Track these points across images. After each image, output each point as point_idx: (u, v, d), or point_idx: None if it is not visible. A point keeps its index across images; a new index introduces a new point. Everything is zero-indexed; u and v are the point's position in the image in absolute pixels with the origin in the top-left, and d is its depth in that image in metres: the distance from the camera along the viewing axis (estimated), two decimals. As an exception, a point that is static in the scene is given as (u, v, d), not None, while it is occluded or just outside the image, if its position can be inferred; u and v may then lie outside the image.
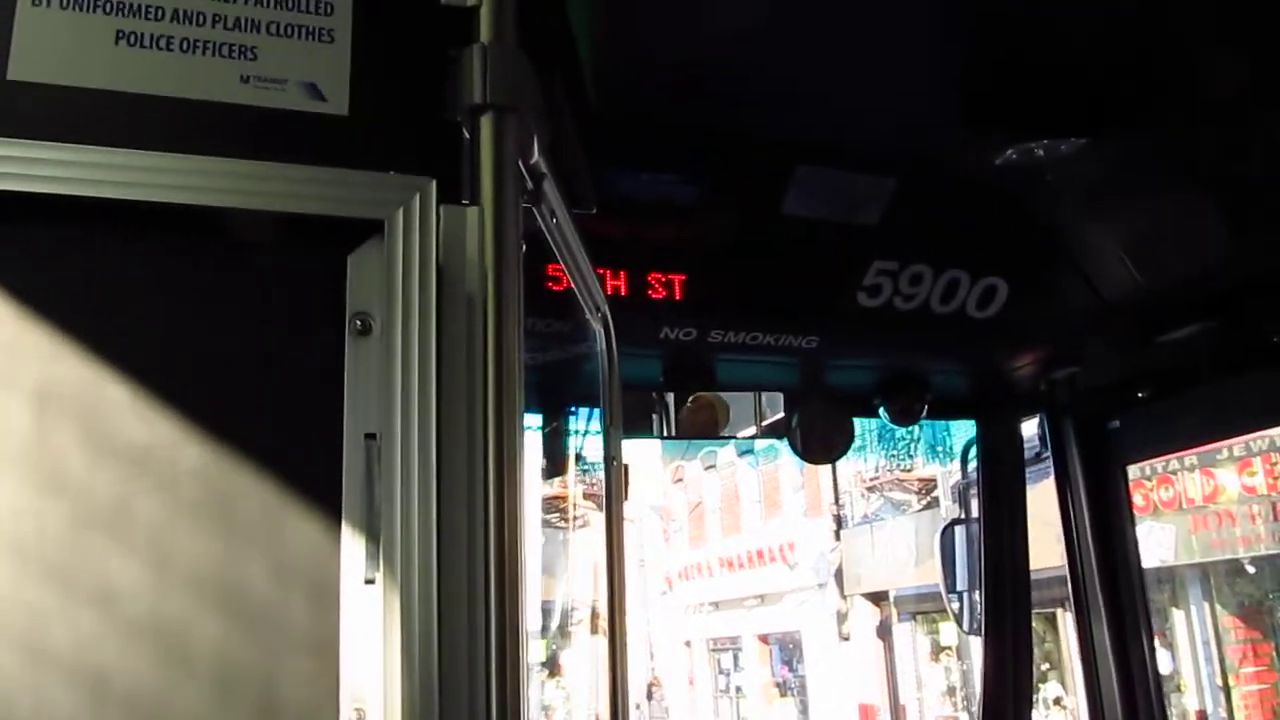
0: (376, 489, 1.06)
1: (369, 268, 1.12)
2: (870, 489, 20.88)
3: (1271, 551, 12.67)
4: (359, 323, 1.11)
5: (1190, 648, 13.77)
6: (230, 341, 1.10)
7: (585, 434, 3.67)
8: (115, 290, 1.09)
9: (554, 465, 3.68)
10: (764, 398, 4.13)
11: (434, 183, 1.14)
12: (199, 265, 1.12)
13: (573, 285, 1.94)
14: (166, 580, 1.03)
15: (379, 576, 1.05)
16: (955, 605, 4.11)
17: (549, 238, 1.56)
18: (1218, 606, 13.74)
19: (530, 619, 1.14)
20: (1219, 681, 13.64)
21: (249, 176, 1.10)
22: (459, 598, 1.04)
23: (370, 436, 1.08)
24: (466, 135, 1.19)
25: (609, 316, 2.09)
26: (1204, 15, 2.39)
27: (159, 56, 1.16)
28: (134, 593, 1.03)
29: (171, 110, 1.14)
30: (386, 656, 1.02)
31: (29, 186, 1.06)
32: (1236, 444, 12.22)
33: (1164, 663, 12.80)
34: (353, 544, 1.06)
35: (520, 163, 1.26)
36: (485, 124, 1.18)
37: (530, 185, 1.38)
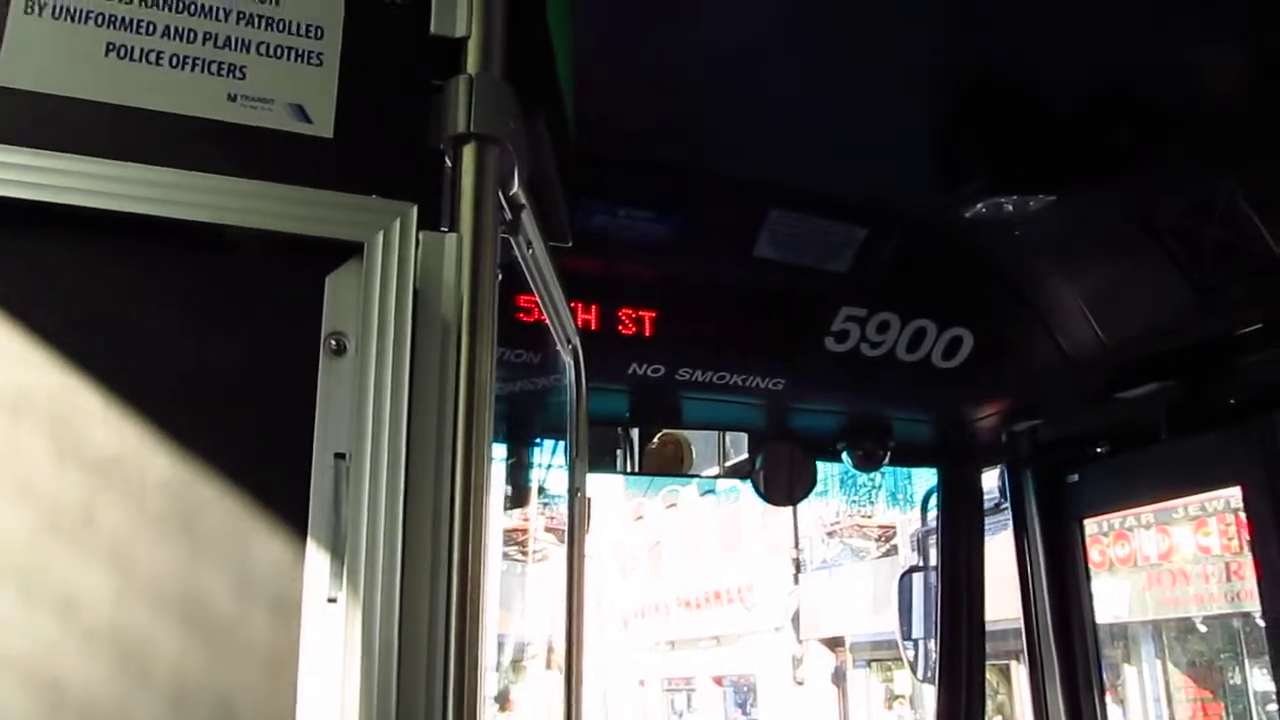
0: (343, 508, 1.06)
1: (346, 289, 1.13)
2: (830, 534, 20.91)
3: (1224, 611, 12.79)
4: (334, 343, 1.12)
5: (1141, 704, 13.84)
6: (205, 355, 1.11)
7: (550, 467, 3.67)
8: (92, 299, 1.10)
9: (515, 497, 3.67)
10: (728, 439, 4.15)
11: (414, 208, 1.15)
12: (177, 279, 1.12)
13: (545, 317, 1.96)
14: (128, 591, 1.03)
15: (342, 596, 1.04)
16: (910, 652, 4.13)
17: (525, 268, 1.58)
18: (1169, 664, 13.83)
19: (488, 648, 1.15)
20: (1168, 740, 13.71)
21: (231, 193, 1.11)
22: (420, 620, 1.05)
23: (340, 456, 1.08)
24: (449, 163, 1.21)
25: (579, 349, 2.10)
26: (1171, 80, 2.45)
27: (148, 71, 1.16)
28: (95, 602, 1.02)
29: (157, 124, 1.15)
30: (346, 676, 1.02)
31: (9, 192, 1.06)
32: (1192, 503, 12.36)
33: (1115, 718, 12.84)
34: (317, 562, 1.06)
35: (500, 193, 1.28)
36: (468, 153, 1.19)
37: (509, 216, 1.40)
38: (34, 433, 1.05)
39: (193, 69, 1.18)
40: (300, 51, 1.22)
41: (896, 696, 19.84)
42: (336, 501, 1.07)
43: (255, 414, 1.10)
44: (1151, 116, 2.57)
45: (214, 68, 1.19)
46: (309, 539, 1.06)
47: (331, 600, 1.05)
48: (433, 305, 1.13)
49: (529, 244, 1.52)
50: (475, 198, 1.18)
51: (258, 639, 1.04)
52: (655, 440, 3.88)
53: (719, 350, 3.32)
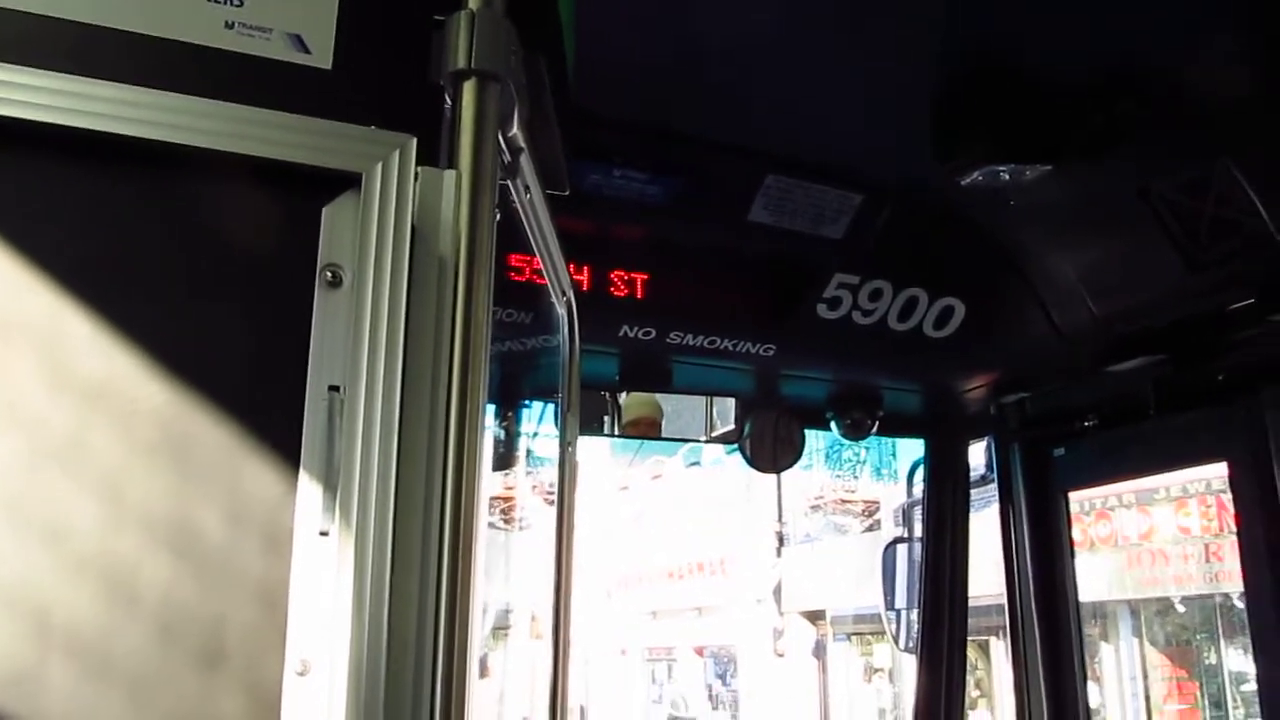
0: (337, 442, 1.06)
1: (343, 221, 1.12)
2: (814, 508, 21.01)
3: (1201, 591, 12.91)
4: (330, 274, 1.10)
5: (1117, 682, 13.98)
6: (198, 282, 1.10)
7: (536, 435, 3.67)
8: (83, 223, 1.08)
9: (500, 459, 3.67)
10: (715, 409, 4.15)
11: (414, 140, 1.14)
12: (173, 204, 1.11)
13: (535, 276, 1.94)
14: (117, 519, 1.02)
15: (334, 529, 1.04)
16: (893, 624, 4.15)
17: (521, 215, 1.56)
18: (1146, 643, 13.97)
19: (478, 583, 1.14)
20: (1144, 717, 13.86)
21: (228, 118, 1.10)
22: (412, 555, 1.04)
23: (334, 388, 1.07)
24: (448, 100, 1.20)
25: (574, 302, 2.09)
26: (1171, 55, 2.44)
27: None
28: (83, 530, 1.01)
29: (154, 49, 1.13)
30: (336, 609, 1.02)
31: (3, 110, 1.05)
32: (1173, 484, 12.45)
33: (1091, 696, 12.99)
34: (309, 495, 1.05)
35: (500, 134, 1.26)
36: (468, 89, 1.18)
37: (508, 158, 1.38)
38: (23, 358, 1.04)
39: (190, -6, 1.16)
40: (299, -19, 1.20)
41: (876, 670, 20.00)
42: (330, 434, 1.06)
43: (249, 344, 1.09)
44: (1151, 91, 2.56)
45: (211, -6, 1.17)
46: (301, 471, 1.06)
47: (323, 534, 1.04)
48: (430, 241, 1.12)
49: (526, 189, 1.51)
50: (475, 134, 1.17)
51: (248, 570, 1.04)
52: (629, 425, 3.88)
53: (711, 314, 3.30)
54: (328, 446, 1.06)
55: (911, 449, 4.31)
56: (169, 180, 1.10)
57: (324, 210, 1.12)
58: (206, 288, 1.10)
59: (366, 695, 1.01)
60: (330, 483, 1.05)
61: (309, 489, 1.05)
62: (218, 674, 1.01)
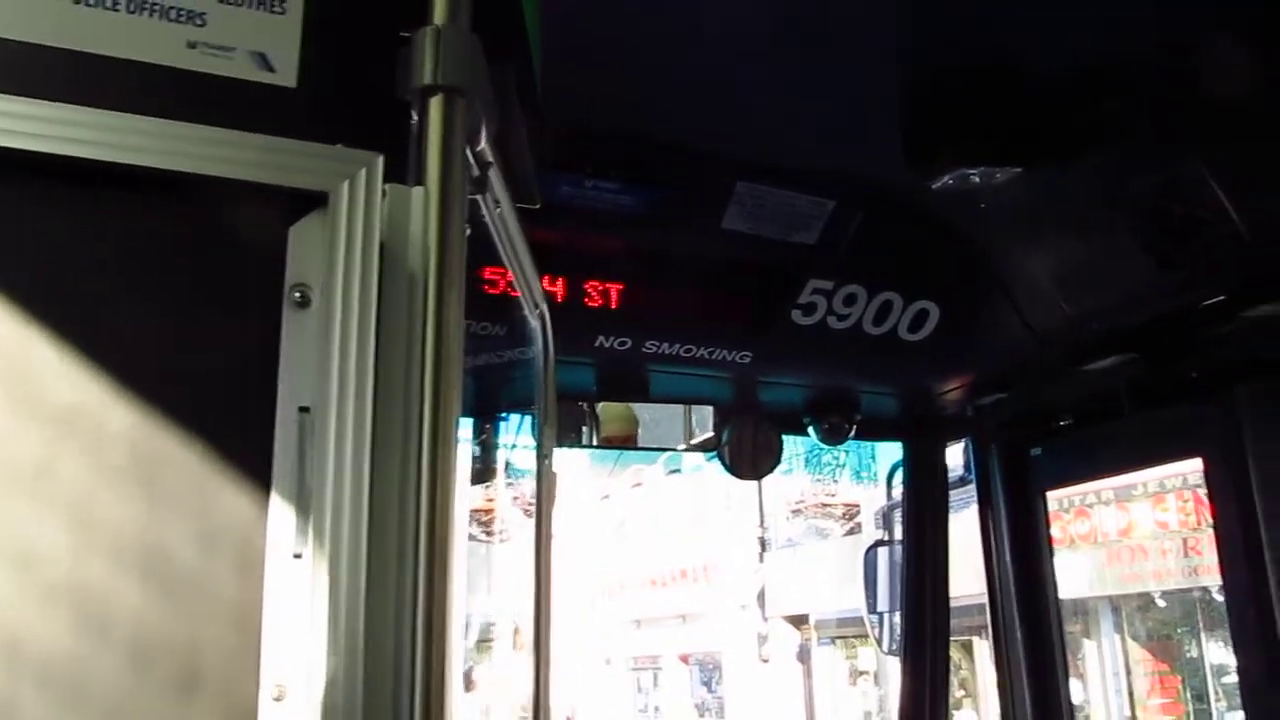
0: (308, 463, 1.05)
1: (310, 240, 1.11)
2: (795, 512, 21.04)
3: (1181, 586, 13.00)
4: (298, 294, 1.09)
5: (1101, 679, 14.05)
6: (165, 305, 1.08)
7: (514, 447, 3.66)
8: (48, 247, 1.07)
9: (477, 474, 3.65)
10: (693, 417, 4.15)
11: (380, 158, 1.13)
12: (138, 227, 1.10)
13: (512, 281, 1.94)
14: (87, 545, 1.00)
15: (307, 551, 1.03)
16: (876, 626, 4.16)
17: (492, 228, 1.56)
18: (1128, 639, 14.05)
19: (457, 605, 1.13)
20: (1127, 712, 13.95)
21: (191, 139, 1.08)
22: (388, 576, 1.03)
23: (304, 409, 1.06)
24: (415, 116, 1.19)
25: (547, 314, 2.08)
26: (1142, 58, 2.46)
27: (106, 16, 1.13)
28: (52, 556, 1.00)
29: (115, 71, 1.12)
30: (311, 632, 1.01)
31: None
32: (1150, 480, 12.54)
33: (1075, 693, 13.04)
34: (281, 517, 1.04)
35: (468, 149, 1.26)
36: (434, 105, 1.17)
37: (476, 172, 1.38)
38: None
39: (151, 14, 1.15)
40: (262, -1, 1.19)
41: (861, 673, 20.04)
42: (301, 456, 1.05)
43: (217, 366, 1.08)
44: (1121, 93, 2.58)
45: (173, 14, 1.15)
46: (273, 493, 1.05)
47: (297, 556, 1.03)
48: (399, 258, 1.11)
49: (496, 203, 1.50)
50: (442, 151, 1.16)
51: (221, 594, 1.03)
52: (605, 439, 3.87)
53: (686, 323, 3.31)
54: (299, 468, 1.05)
55: (890, 451, 4.32)
56: (132, 202, 1.09)
57: (290, 230, 1.11)
58: (172, 310, 1.08)
59: (344, 719, 1.00)
60: (303, 504, 1.04)
61: (281, 511, 1.04)
62: (193, 700, 1.00)
